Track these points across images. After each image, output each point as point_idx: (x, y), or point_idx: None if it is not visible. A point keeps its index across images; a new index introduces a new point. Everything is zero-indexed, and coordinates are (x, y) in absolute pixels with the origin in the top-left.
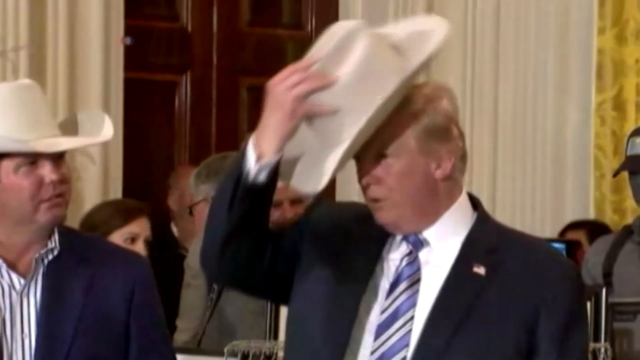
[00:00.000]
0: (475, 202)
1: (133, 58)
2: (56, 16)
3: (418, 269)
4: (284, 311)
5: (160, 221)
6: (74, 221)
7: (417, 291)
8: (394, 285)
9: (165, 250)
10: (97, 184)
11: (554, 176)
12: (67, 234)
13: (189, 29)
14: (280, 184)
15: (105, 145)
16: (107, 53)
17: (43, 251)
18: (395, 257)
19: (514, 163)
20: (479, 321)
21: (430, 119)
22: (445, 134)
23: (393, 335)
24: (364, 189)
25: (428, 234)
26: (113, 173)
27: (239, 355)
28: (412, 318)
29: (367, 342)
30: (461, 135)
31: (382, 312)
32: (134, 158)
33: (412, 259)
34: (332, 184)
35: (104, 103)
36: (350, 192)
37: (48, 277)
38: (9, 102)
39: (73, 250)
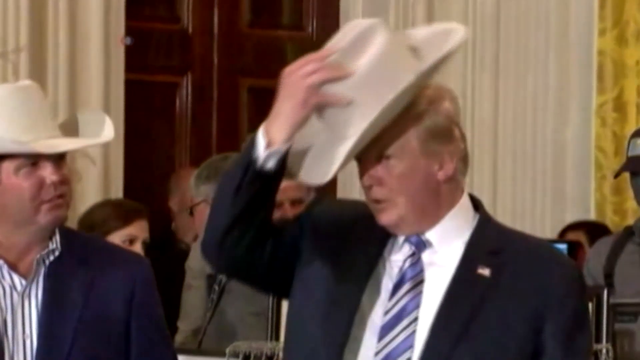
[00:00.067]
0: (476, 203)
1: (133, 59)
2: (57, 17)
3: (421, 270)
4: (285, 312)
5: (161, 222)
6: (74, 222)
7: (420, 292)
8: (397, 287)
9: (166, 252)
10: (97, 185)
11: (554, 177)
12: (68, 235)
13: (190, 30)
14: (282, 183)
15: (106, 146)
16: (107, 54)
17: (44, 252)
18: (397, 258)
19: (514, 164)
20: (485, 323)
21: (432, 121)
22: (447, 135)
23: (397, 337)
24: (366, 189)
25: (430, 235)
26: (114, 174)
27: (241, 356)
28: (416, 319)
29: (370, 343)
30: (463, 136)
31: (386, 313)
32: (134, 159)
33: (415, 260)
34: (333, 183)
35: (105, 104)
36: (351, 192)
37: (49, 278)
38: (10, 103)
39: (74, 251)
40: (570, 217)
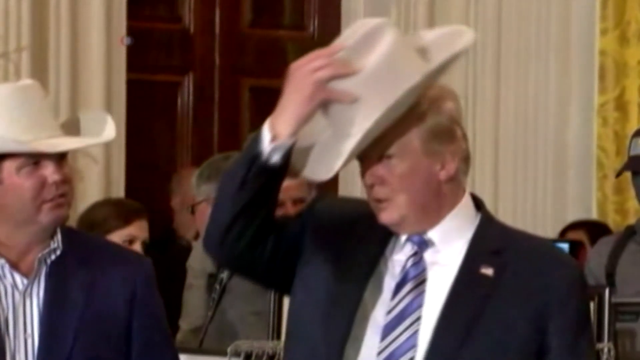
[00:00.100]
0: (478, 203)
1: (135, 59)
2: (58, 17)
3: (424, 270)
4: (286, 311)
5: (162, 222)
6: (75, 221)
7: (423, 292)
8: (399, 286)
9: (167, 250)
10: (99, 185)
11: (556, 177)
12: (69, 234)
13: (191, 30)
14: (284, 183)
15: (107, 145)
16: (109, 54)
17: (46, 251)
18: (400, 257)
19: (516, 164)
20: (489, 322)
21: (435, 121)
22: (449, 135)
23: (400, 336)
24: (368, 188)
25: (432, 234)
26: (115, 173)
27: (242, 355)
28: (419, 319)
29: (372, 342)
30: (464, 136)
31: (388, 312)
32: (136, 159)
33: (418, 259)
34: (335, 182)
35: (106, 104)
36: (353, 191)
37: (51, 277)
38: (11, 102)
39: (75, 251)
40: (572, 217)
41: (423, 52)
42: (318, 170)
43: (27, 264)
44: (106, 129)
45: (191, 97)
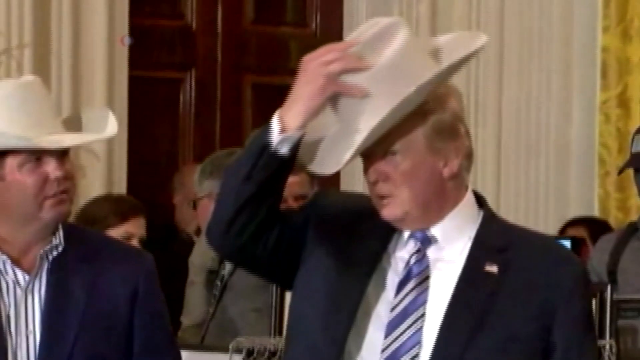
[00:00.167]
0: (480, 200)
1: (137, 56)
2: (60, 14)
3: (427, 267)
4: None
5: (165, 218)
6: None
7: (427, 288)
8: (403, 283)
9: (169, 245)
10: (101, 181)
11: (558, 174)
12: (71, 230)
13: (193, 26)
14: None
15: (109, 142)
16: (111, 51)
17: (47, 247)
18: (403, 254)
19: (518, 161)
20: (496, 320)
21: (439, 118)
22: (453, 132)
23: (404, 333)
24: (371, 185)
25: (435, 231)
26: (117, 170)
27: (244, 352)
28: (423, 315)
29: (375, 339)
30: (467, 133)
31: (392, 309)
32: (138, 155)
33: (421, 256)
34: (336, 178)
35: (109, 100)
36: (354, 187)
37: (52, 274)
38: (13, 99)
39: (77, 247)
40: (574, 214)
41: (435, 53)
42: (324, 164)
43: (28, 260)
44: (108, 126)
45: (193, 94)
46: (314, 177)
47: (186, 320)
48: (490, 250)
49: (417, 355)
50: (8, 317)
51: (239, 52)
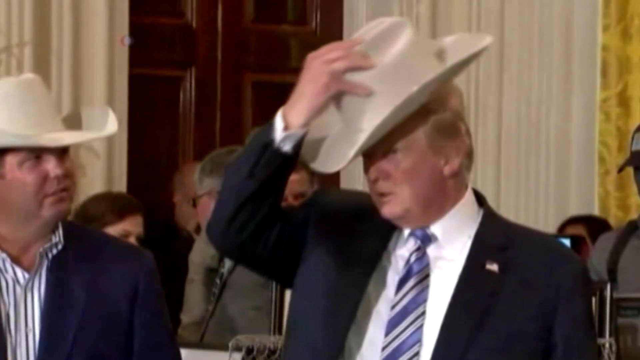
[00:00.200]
0: (480, 199)
1: (138, 54)
2: (61, 12)
3: (427, 265)
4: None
5: (165, 216)
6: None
7: (427, 287)
8: (403, 281)
9: (169, 243)
10: (101, 179)
11: (558, 172)
12: (71, 229)
13: (194, 25)
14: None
15: (109, 140)
16: (111, 49)
17: (47, 246)
18: (403, 253)
19: (518, 159)
20: (498, 319)
21: (440, 116)
22: (454, 131)
23: (405, 331)
24: (371, 183)
25: (435, 229)
26: (117, 168)
27: (243, 350)
28: (423, 313)
29: (376, 337)
30: (468, 132)
31: (392, 307)
32: (138, 153)
33: (421, 254)
34: (336, 177)
35: (109, 99)
36: (354, 186)
37: (52, 272)
38: (13, 97)
39: (77, 245)
40: (574, 212)
41: (439, 53)
42: (327, 162)
43: (28, 258)
44: (108, 124)
45: (193, 93)
46: (313, 176)
47: (186, 318)
48: (491, 248)
49: (417, 353)
50: (7, 315)
51: (239, 51)
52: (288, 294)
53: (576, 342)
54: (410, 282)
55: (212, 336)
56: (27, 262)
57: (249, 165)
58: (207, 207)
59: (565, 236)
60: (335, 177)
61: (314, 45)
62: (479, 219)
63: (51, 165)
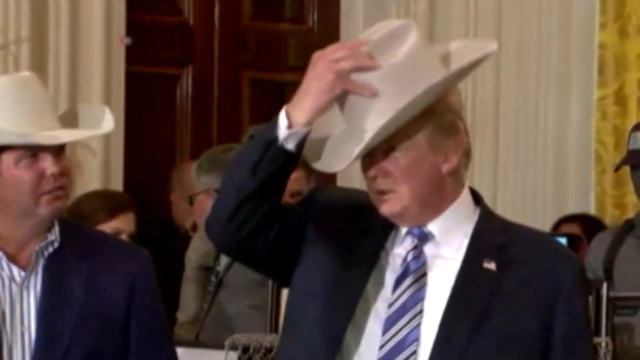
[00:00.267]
0: (477, 197)
1: (135, 51)
2: (58, 9)
3: (424, 263)
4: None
5: (162, 214)
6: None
7: (424, 285)
8: (400, 279)
9: (167, 240)
10: (98, 177)
11: (555, 171)
12: (67, 227)
13: (191, 22)
14: None
15: (106, 138)
16: (108, 46)
17: (43, 244)
18: (400, 251)
19: (515, 157)
20: (496, 317)
21: (440, 115)
22: (453, 129)
23: (402, 329)
24: (370, 180)
25: (432, 227)
26: (114, 166)
27: (240, 349)
28: (421, 312)
29: (374, 335)
30: (466, 130)
31: (390, 305)
32: (135, 151)
33: (418, 253)
34: (332, 178)
35: (106, 96)
36: (351, 184)
37: (48, 270)
38: (9, 94)
39: (73, 243)
40: (570, 211)
41: (445, 57)
42: (329, 161)
43: (24, 256)
44: (105, 121)
45: (191, 90)
46: (310, 174)
47: (181, 316)
48: (488, 247)
49: (415, 352)
50: (3, 313)
51: (237, 48)
52: (285, 292)
53: (575, 341)
54: (408, 281)
55: (208, 334)
56: (23, 260)
57: (251, 162)
58: (204, 205)
59: (562, 235)
60: (331, 175)
61: (312, 44)
62: (475, 218)
63: (47, 163)
